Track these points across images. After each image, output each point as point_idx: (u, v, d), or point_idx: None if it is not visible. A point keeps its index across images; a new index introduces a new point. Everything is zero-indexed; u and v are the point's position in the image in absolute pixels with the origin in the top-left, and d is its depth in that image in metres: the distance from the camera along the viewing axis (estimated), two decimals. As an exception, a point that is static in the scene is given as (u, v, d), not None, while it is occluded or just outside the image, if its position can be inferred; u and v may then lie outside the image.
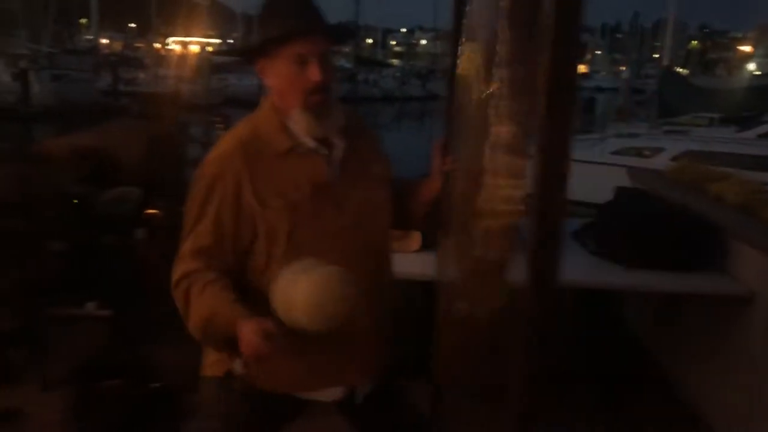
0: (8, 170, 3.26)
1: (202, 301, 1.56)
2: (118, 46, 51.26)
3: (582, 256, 3.25)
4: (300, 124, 1.64)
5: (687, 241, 3.07)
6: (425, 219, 1.91)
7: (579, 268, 3.10)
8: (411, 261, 2.91)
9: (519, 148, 1.32)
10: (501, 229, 1.43)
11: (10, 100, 23.09)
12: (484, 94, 1.46)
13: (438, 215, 1.91)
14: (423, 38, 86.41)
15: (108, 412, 2.93)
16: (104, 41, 47.65)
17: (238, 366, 1.73)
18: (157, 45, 45.26)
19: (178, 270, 1.61)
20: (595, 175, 9.50)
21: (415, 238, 3.16)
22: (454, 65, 1.85)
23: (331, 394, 1.79)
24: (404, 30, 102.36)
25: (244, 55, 1.75)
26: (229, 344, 1.50)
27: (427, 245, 3.10)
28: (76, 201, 3.72)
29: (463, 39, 1.75)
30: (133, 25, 62.11)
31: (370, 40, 78.77)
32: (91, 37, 37.56)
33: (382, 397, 1.85)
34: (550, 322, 0.71)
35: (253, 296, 1.61)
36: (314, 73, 1.60)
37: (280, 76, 1.64)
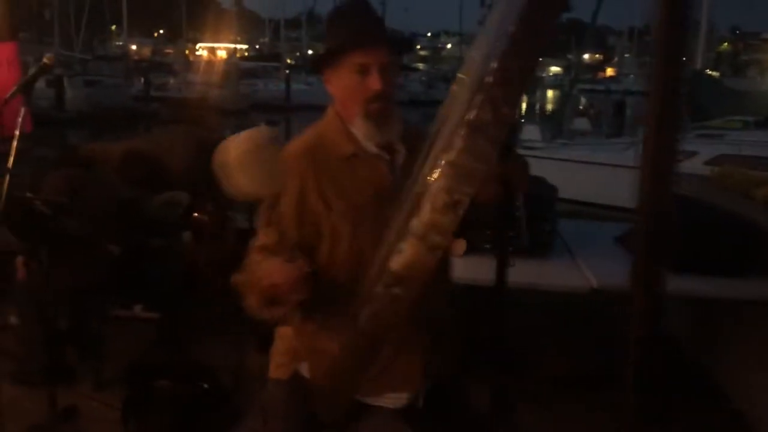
0: (58, 174, 3.36)
1: (250, 271, 1.64)
2: (146, 51, 51.93)
3: (627, 261, 3.25)
4: (361, 131, 1.71)
5: (733, 246, 3.06)
6: (469, 224, 1.93)
7: (624, 273, 3.10)
8: (458, 265, 2.94)
9: (492, 136, 1.33)
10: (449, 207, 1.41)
11: (43, 106, 23.53)
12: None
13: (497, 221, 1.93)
14: (449, 42, 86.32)
15: (159, 411, 3.00)
16: (134, 47, 48.33)
17: (303, 368, 1.79)
18: (186, 51, 45.81)
19: (245, 263, 1.70)
20: (628, 179, 9.41)
21: (460, 243, 3.19)
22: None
23: (397, 400, 1.82)
24: (429, 34, 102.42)
25: (312, 66, 1.83)
26: (264, 298, 1.58)
27: (471, 249, 3.12)
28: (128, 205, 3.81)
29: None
30: (161, 31, 62.87)
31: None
32: (121, 43, 38.18)
33: (442, 400, 1.88)
34: (654, 322, 0.74)
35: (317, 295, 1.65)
36: (374, 83, 1.65)
37: (342, 85, 1.71)
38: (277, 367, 1.86)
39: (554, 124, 16.95)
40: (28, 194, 2.79)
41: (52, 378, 3.05)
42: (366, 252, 1.66)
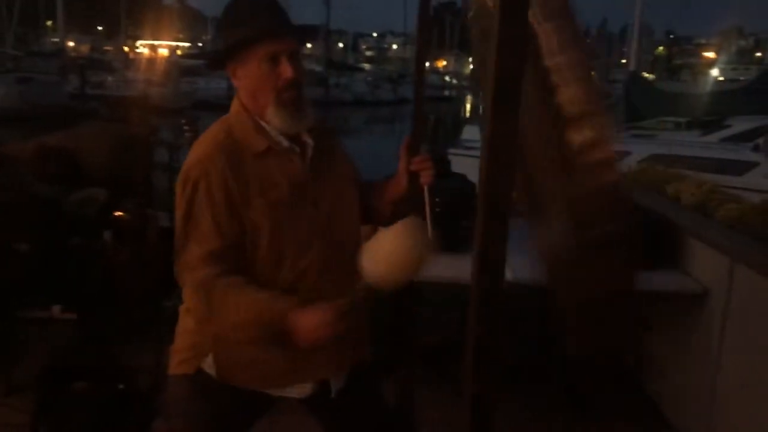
0: None
1: (236, 305, 1.58)
2: (85, 48, 50.53)
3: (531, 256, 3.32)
4: (274, 122, 1.67)
5: (644, 240, 3.15)
6: (392, 218, 1.94)
7: (526, 267, 3.17)
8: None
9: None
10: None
11: (-28, 104, 22.66)
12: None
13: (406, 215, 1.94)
14: (394, 43, 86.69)
15: (74, 414, 2.92)
16: (71, 44, 46.94)
17: (207, 363, 1.75)
18: (126, 48, 44.74)
19: (192, 278, 1.63)
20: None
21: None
22: (421, 70, 1.90)
23: (301, 390, 1.82)
24: (375, 34, 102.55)
25: (214, 60, 1.78)
26: (278, 337, 1.56)
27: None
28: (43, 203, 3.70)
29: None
30: (100, 27, 61.30)
31: (341, 45, 78.74)
32: (57, 39, 37.07)
33: (354, 392, 1.88)
34: (496, 305, 0.75)
35: None
36: (286, 70, 1.64)
37: (252, 77, 1.68)
38: (179, 363, 1.82)
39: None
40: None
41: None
42: (285, 248, 1.65)
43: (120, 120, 6.01)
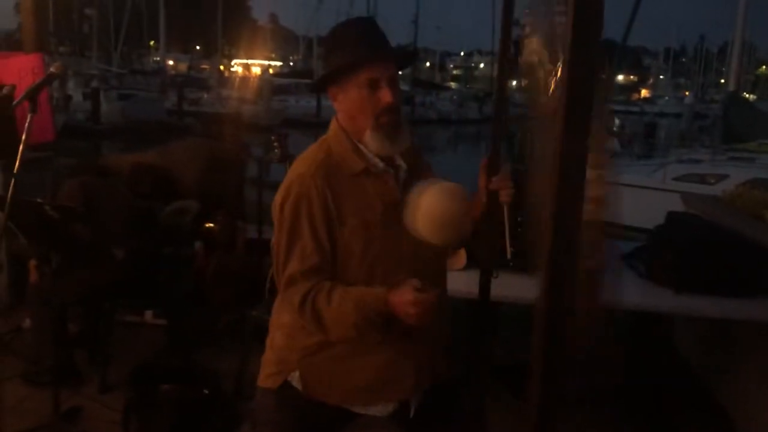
0: (73, 181, 3.45)
1: (340, 307, 1.64)
2: (183, 67, 52.86)
3: (631, 279, 3.24)
4: (371, 145, 1.71)
5: (738, 267, 3.03)
6: (471, 237, 1.94)
7: (628, 291, 3.10)
8: (456, 279, 2.95)
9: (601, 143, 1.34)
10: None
11: (80, 119, 24.12)
12: (551, 79, 1.50)
13: (486, 233, 1.94)
14: (481, 62, 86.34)
15: (160, 414, 3.05)
16: (171, 62, 49.21)
17: (294, 377, 1.81)
18: (222, 67, 46.52)
19: (296, 294, 1.68)
20: (654, 201, 9.33)
21: (462, 256, 3.20)
22: (502, 88, 1.91)
23: (384, 409, 1.84)
24: (462, 53, 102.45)
25: (317, 84, 1.83)
26: (387, 324, 1.63)
27: (472, 263, 3.13)
28: (143, 214, 3.91)
29: (526, 34, 1.78)
30: (198, 47, 64.00)
31: (428, 63, 79.12)
32: (158, 58, 38.96)
33: (435, 409, 1.89)
34: (566, 329, 0.74)
35: None
36: (386, 95, 1.68)
37: (352, 101, 1.72)
38: (268, 376, 1.88)
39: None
40: (38, 199, 2.87)
41: (59, 379, 3.12)
42: (376, 268, 1.69)
43: (213, 136, 6.27)
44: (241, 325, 3.59)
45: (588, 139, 0.70)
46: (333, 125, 1.80)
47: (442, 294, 1.71)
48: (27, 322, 3.89)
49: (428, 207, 1.64)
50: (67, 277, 3.25)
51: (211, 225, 4.19)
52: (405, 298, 1.57)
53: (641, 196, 11.02)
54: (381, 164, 1.74)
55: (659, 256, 3.19)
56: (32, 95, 2.28)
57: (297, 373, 1.81)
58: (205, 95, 31.54)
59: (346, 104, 1.74)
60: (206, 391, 3.19)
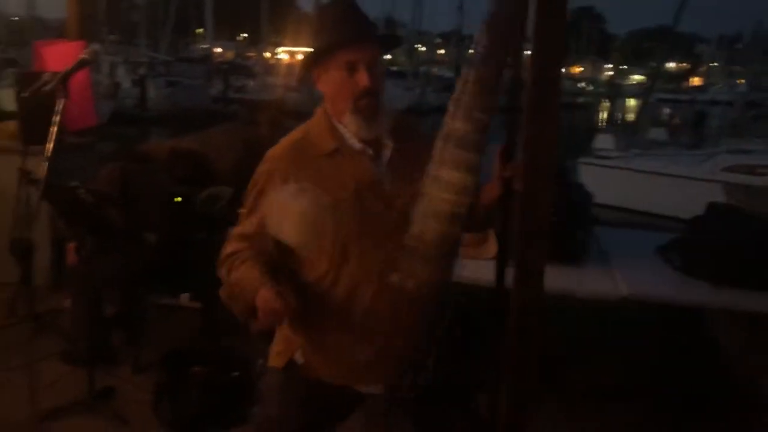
0: (111, 166, 3.53)
1: (237, 274, 1.73)
2: (230, 55, 53.43)
3: (666, 272, 3.17)
4: (349, 126, 1.74)
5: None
6: (486, 222, 1.92)
7: (662, 284, 3.04)
8: (484, 268, 2.93)
9: (470, 144, 1.47)
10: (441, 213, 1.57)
11: (128, 105, 24.67)
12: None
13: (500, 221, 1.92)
14: (527, 50, 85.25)
15: (191, 396, 3.11)
16: (218, 50, 49.79)
17: (298, 356, 1.83)
18: (267, 54, 46.86)
19: (225, 250, 1.80)
20: (701, 193, 9.10)
21: (492, 244, 3.16)
22: (518, 74, 1.87)
23: (378, 387, 1.86)
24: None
25: (301, 65, 1.86)
26: (250, 311, 1.66)
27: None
28: (178, 199, 3.97)
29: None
30: (245, 35, 64.61)
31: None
32: (206, 46, 39.48)
33: (437, 392, 1.88)
34: (535, 313, 0.72)
35: (302, 289, 1.74)
36: (362, 79, 1.70)
37: (331, 83, 1.75)
38: (275, 355, 1.92)
39: (630, 133, 16.55)
40: (73, 183, 2.94)
41: (94, 359, 3.21)
42: (349, 245, 1.70)
43: (255, 122, 6.32)
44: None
45: (555, 132, 0.68)
46: (318, 107, 1.84)
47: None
48: (67, 303, 3.99)
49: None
50: (102, 259, 3.32)
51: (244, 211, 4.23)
52: (262, 294, 1.61)
53: (688, 188, 10.78)
54: (358, 144, 1.75)
55: (696, 248, 3.11)
56: (63, 81, 2.32)
57: (301, 351, 1.83)
58: (251, 82, 31.85)
59: (327, 86, 1.77)
60: (236, 374, 3.25)
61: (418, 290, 1.68)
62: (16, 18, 42.33)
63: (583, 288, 2.99)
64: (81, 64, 2.40)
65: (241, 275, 1.71)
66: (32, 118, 3.69)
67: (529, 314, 0.68)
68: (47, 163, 2.42)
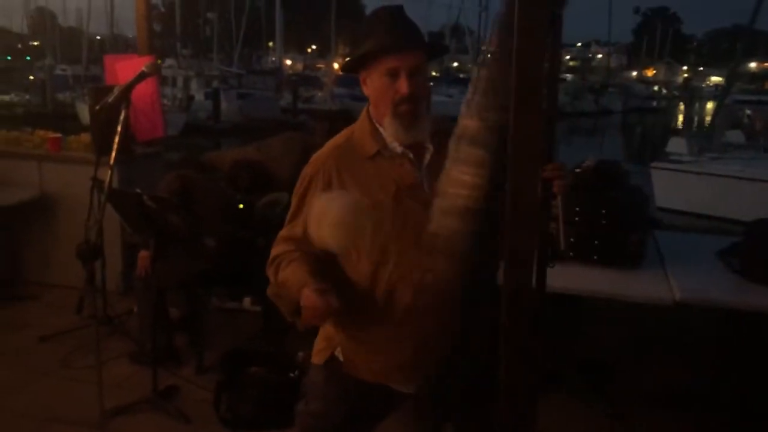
0: (172, 174, 3.69)
1: (284, 274, 1.77)
2: (299, 66, 54.49)
3: (725, 275, 3.08)
4: (389, 130, 1.77)
5: None
6: None
7: (719, 288, 2.95)
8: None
9: (480, 141, 1.48)
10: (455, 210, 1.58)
11: (201, 117, 25.48)
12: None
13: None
14: (600, 52, 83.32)
15: (249, 395, 3.21)
16: (288, 62, 50.82)
17: (338, 353, 1.88)
18: (336, 65, 47.48)
19: (273, 252, 1.85)
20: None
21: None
22: (554, 74, 1.87)
23: (415, 387, 1.88)
24: (579, 44, 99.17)
25: (346, 66, 1.88)
26: (296, 309, 1.70)
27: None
28: (241, 206, 4.11)
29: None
30: (314, 46, 65.71)
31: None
32: (275, 59, 40.39)
33: (476, 392, 1.89)
34: (525, 306, 0.73)
35: (345, 288, 1.77)
36: (402, 86, 1.72)
37: (374, 87, 1.78)
38: (317, 352, 1.97)
39: (704, 137, 15.96)
40: (137, 190, 3.09)
41: (158, 360, 3.35)
42: (388, 246, 1.73)
43: (318, 131, 6.45)
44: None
45: (540, 117, 0.70)
46: (364, 110, 1.87)
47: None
48: (135, 307, 4.19)
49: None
50: (165, 264, 3.47)
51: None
52: (306, 293, 1.63)
53: (764, 192, 10.34)
54: (399, 148, 1.78)
55: (755, 252, 3.01)
56: (126, 93, 2.45)
57: (341, 349, 1.88)
58: (319, 93, 32.36)
59: (371, 90, 1.80)
60: (292, 375, 3.34)
61: (437, 285, 1.71)
62: (99, 37, 44.45)
63: (635, 292, 2.93)
64: (141, 77, 2.54)
65: (288, 275, 1.75)
66: (103, 129, 3.89)
67: (520, 306, 0.69)
68: (111, 171, 2.55)
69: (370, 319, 1.81)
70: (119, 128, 2.48)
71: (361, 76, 1.83)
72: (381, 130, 1.80)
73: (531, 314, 0.76)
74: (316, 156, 1.85)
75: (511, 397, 0.83)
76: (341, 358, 1.90)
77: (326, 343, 1.93)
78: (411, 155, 1.79)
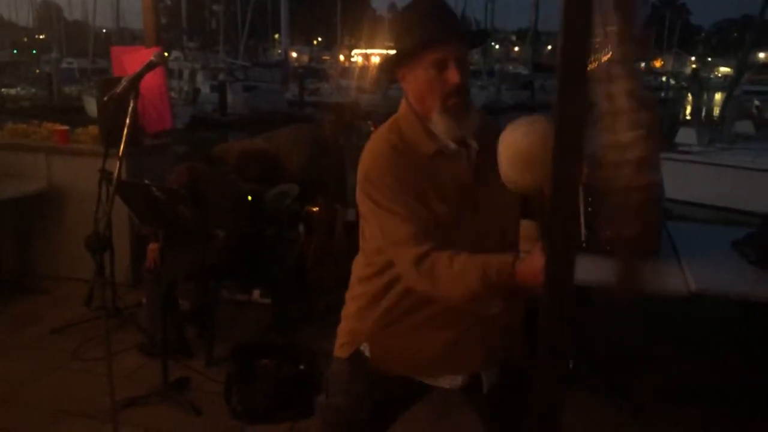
0: (181, 166, 3.67)
1: (463, 269, 1.55)
2: (305, 59, 54.38)
3: (741, 266, 3.04)
4: (440, 126, 1.69)
5: None
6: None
7: (734, 279, 2.92)
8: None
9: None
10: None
11: (207, 110, 25.47)
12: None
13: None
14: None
15: (260, 387, 3.20)
16: (294, 55, 50.72)
17: (364, 347, 1.86)
18: (342, 57, 47.42)
19: (408, 254, 1.61)
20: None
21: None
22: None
23: (453, 381, 1.85)
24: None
25: (386, 65, 1.81)
26: (508, 289, 1.52)
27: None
28: (249, 198, 4.09)
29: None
30: (320, 39, 65.58)
31: (549, 47, 76.88)
32: (280, 51, 40.36)
33: (509, 390, 1.87)
34: (567, 296, 0.70)
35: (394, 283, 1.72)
36: (453, 76, 1.65)
37: (420, 82, 1.70)
38: (341, 346, 1.93)
39: (714, 128, 15.86)
40: (146, 181, 3.07)
41: (168, 351, 3.35)
42: (454, 247, 1.63)
43: (325, 124, 6.43)
44: (340, 306, 3.69)
45: (585, 105, 0.67)
46: (402, 106, 1.78)
47: None
48: (144, 299, 4.18)
49: (510, 145, 1.56)
50: (174, 256, 3.46)
51: (313, 208, 4.32)
52: (538, 264, 1.40)
53: (776, 182, 10.28)
54: (453, 145, 1.70)
55: (770, 241, 2.97)
56: (133, 83, 2.44)
57: (367, 344, 1.84)
58: (325, 85, 32.29)
59: (415, 85, 1.72)
60: (302, 367, 3.32)
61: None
62: (105, 30, 44.48)
63: (650, 282, 2.90)
64: (149, 67, 2.51)
65: (472, 266, 1.54)
66: (111, 121, 3.87)
67: (560, 305, 0.67)
68: (120, 162, 2.53)
69: (415, 315, 1.75)
70: (128, 119, 2.46)
71: (399, 72, 1.75)
72: (431, 127, 1.71)
73: (569, 314, 0.74)
74: (374, 156, 1.70)
75: (543, 404, 0.80)
76: (367, 354, 1.85)
77: (351, 338, 1.89)
78: (465, 153, 1.72)
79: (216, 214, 3.55)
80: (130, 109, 2.46)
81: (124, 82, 2.56)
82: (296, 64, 44.51)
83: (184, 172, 3.58)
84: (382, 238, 1.69)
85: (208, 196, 3.52)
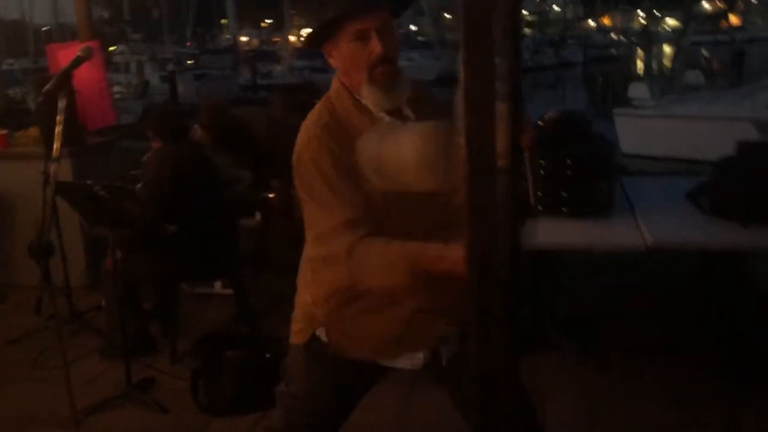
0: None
1: (395, 257, 1.53)
2: (255, 42, 53.59)
3: (694, 217, 3.07)
4: (370, 98, 1.66)
5: None
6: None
7: (690, 230, 2.94)
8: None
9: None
10: None
11: (160, 101, 24.97)
12: None
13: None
14: (555, 4, 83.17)
15: (226, 379, 3.15)
16: (243, 39, 49.96)
17: (320, 333, 1.81)
18: (292, 38, 46.83)
19: (340, 244, 1.59)
20: (743, 132, 8.79)
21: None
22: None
23: (414, 362, 1.82)
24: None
25: (309, 41, 1.75)
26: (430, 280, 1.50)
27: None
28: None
29: None
30: (269, 21, 64.61)
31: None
32: (229, 36, 39.73)
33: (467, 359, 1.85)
34: (491, 255, 0.67)
35: None
36: (375, 46, 1.61)
37: (344, 55, 1.66)
38: (296, 332, 1.89)
39: (664, 80, 16.09)
40: (88, 182, 2.97)
41: (131, 351, 3.27)
42: (395, 221, 1.62)
43: (280, 106, 6.33)
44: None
45: (491, 61, 0.63)
46: (334, 83, 1.74)
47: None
48: (103, 302, 4.07)
49: (403, 155, 1.52)
50: (131, 256, 3.37)
51: (269, 194, 4.25)
52: (454, 252, 1.43)
53: (728, 129, 10.45)
54: (387, 118, 1.66)
55: (724, 190, 2.99)
56: (62, 79, 2.34)
57: (324, 329, 1.80)
58: (277, 67, 31.88)
59: (340, 60, 1.68)
60: (268, 356, 3.27)
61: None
62: (44, 28, 43.15)
63: (607, 241, 2.91)
64: (76, 62, 2.42)
65: (404, 253, 1.52)
66: (50, 120, 3.73)
67: (488, 268, 0.63)
68: (55, 163, 2.43)
69: (365, 296, 1.69)
70: (59, 117, 2.36)
71: (325, 48, 1.71)
72: (363, 101, 1.68)
73: (500, 276, 0.70)
74: (308, 138, 1.66)
75: (486, 370, 0.77)
76: (324, 339, 1.81)
77: (306, 324, 1.84)
78: (399, 124, 1.66)
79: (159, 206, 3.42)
80: (61, 106, 2.36)
81: (54, 80, 2.47)
82: (246, 48, 43.81)
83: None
84: (315, 227, 1.66)
85: (190, 179, 3.43)
